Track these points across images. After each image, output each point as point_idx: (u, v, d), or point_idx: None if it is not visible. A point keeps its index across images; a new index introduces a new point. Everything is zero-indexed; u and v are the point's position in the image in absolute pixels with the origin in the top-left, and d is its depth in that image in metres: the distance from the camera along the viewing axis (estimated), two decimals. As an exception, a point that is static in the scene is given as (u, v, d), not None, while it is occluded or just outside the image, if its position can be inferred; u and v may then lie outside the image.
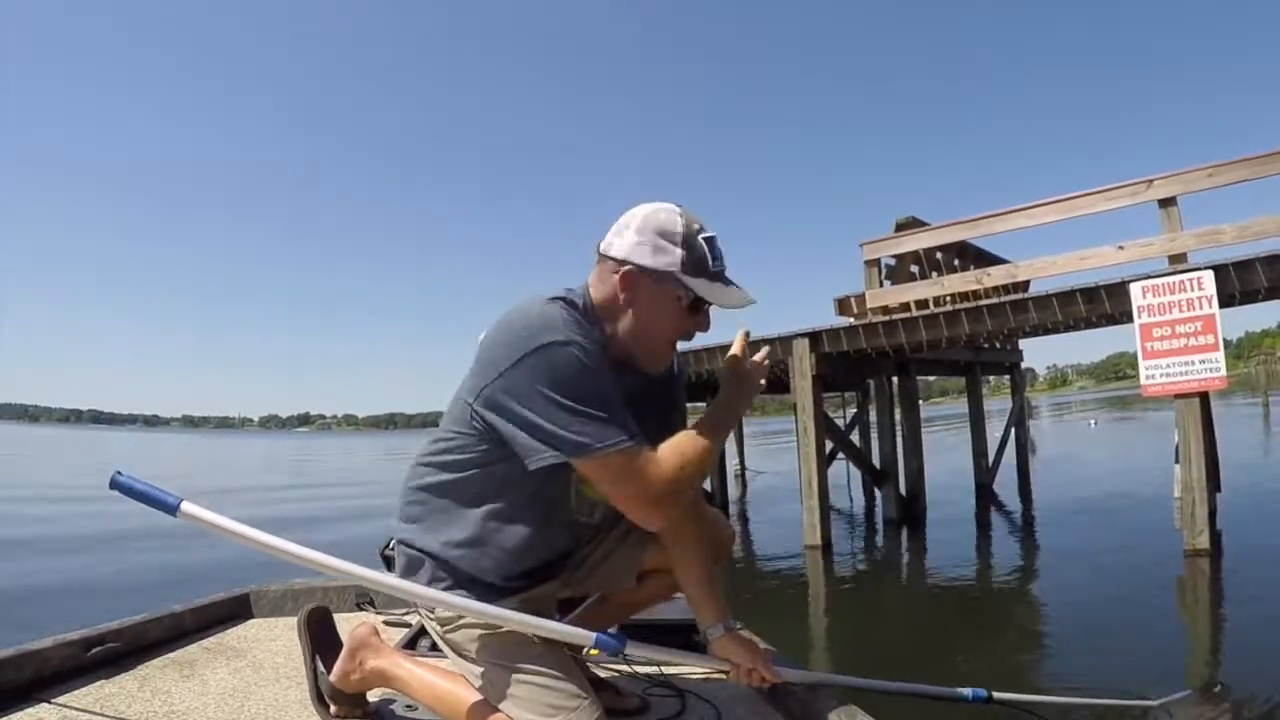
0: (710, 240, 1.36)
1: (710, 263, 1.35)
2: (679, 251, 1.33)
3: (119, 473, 1.22)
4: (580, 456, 1.26)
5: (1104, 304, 6.69)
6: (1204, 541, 6.05)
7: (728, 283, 1.38)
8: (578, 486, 1.43)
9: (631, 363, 1.43)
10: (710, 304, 1.38)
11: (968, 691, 1.64)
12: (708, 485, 12.61)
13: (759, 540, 9.51)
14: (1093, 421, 32.85)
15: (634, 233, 1.35)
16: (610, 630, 1.91)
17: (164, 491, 1.22)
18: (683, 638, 1.91)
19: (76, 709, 1.65)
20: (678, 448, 1.32)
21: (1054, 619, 5.43)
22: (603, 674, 1.78)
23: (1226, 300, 6.49)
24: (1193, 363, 6.12)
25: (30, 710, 1.64)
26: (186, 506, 1.21)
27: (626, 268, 1.34)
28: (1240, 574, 6.03)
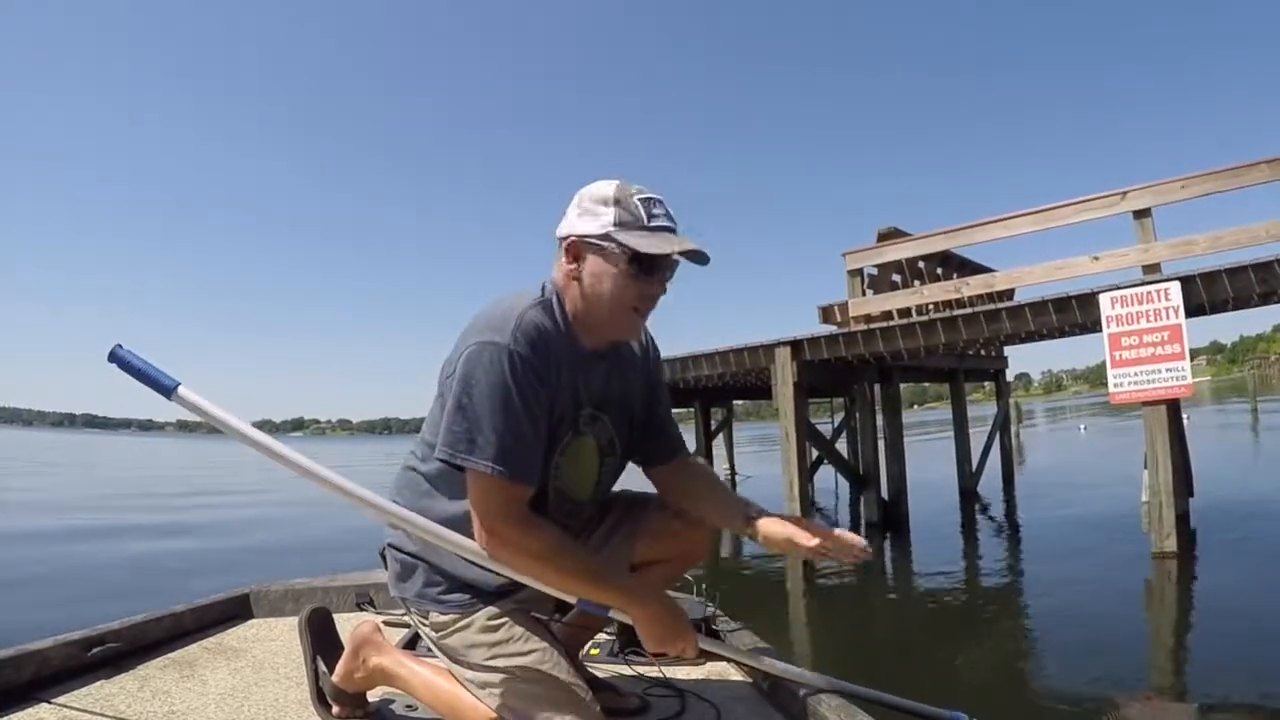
0: (647, 200, 1.32)
1: (646, 219, 1.30)
2: (611, 211, 1.30)
3: (119, 346, 1.17)
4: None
5: (1075, 314, 6.87)
6: (1171, 545, 6.21)
7: (668, 234, 1.32)
8: (557, 490, 1.42)
9: (609, 351, 1.44)
10: (651, 257, 1.30)
11: (949, 714, 1.58)
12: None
13: (744, 542, 9.65)
14: (1083, 426, 32.97)
15: (574, 208, 1.35)
16: (609, 628, 1.95)
17: (162, 372, 1.18)
18: None
19: (76, 709, 1.65)
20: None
21: (1026, 622, 5.59)
22: (602, 674, 1.78)
23: (1195, 310, 6.65)
24: (1159, 371, 6.28)
25: (30, 710, 1.65)
26: (183, 391, 1.17)
27: (568, 240, 1.34)
28: (1205, 575, 6.23)
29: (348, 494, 1.27)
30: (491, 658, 1.35)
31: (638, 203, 1.31)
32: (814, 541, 1.36)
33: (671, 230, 1.32)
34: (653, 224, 1.30)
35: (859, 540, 1.40)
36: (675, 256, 1.32)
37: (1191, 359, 6.42)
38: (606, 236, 1.30)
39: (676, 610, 1.40)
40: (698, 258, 1.33)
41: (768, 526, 1.41)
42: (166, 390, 1.16)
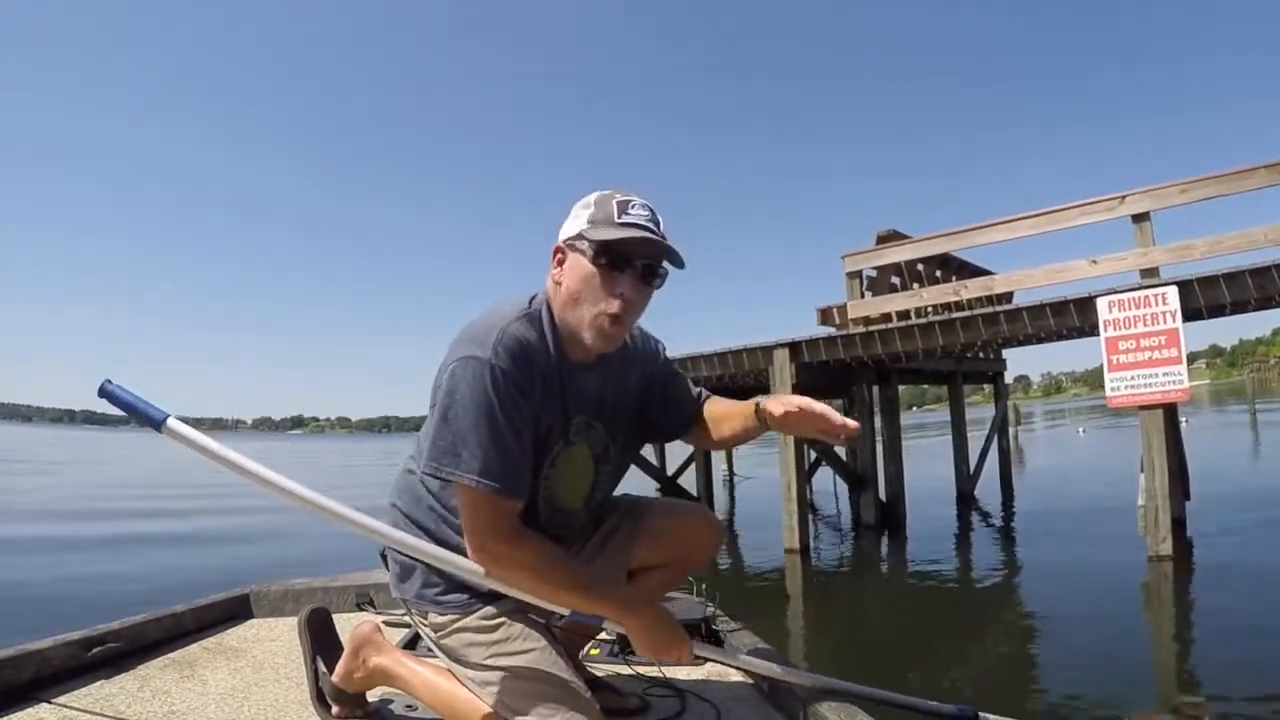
0: (625, 201, 1.33)
1: (616, 215, 1.31)
2: (589, 211, 1.33)
3: (108, 380, 1.19)
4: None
5: (1072, 317, 6.89)
6: (1167, 548, 6.24)
7: (637, 229, 1.32)
8: (548, 501, 1.42)
9: (601, 360, 1.43)
10: (614, 246, 1.31)
11: (954, 709, 1.56)
12: (694, 489, 12.80)
13: (742, 543, 9.69)
14: (1081, 430, 33.00)
15: (567, 217, 1.39)
16: (604, 636, 1.94)
17: (151, 405, 1.19)
18: None
19: (76, 709, 1.65)
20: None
21: (1022, 625, 5.61)
22: (602, 674, 1.77)
23: (1192, 314, 6.67)
24: (1156, 375, 6.30)
25: (30, 710, 1.64)
26: (172, 423, 1.18)
27: (555, 246, 1.37)
28: (1201, 578, 6.27)
29: (346, 520, 1.28)
30: (490, 657, 1.36)
31: (615, 203, 1.33)
32: (818, 406, 1.38)
33: (643, 227, 1.31)
34: (622, 219, 1.31)
35: (835, 415, 1.38)
36: (637, 236, 1.31)
37: (1191, 362, 6.44)
38: (580, 235, 1.32)
39: (669, 619, 1.41)
40: (667, 253, 1.34)
41: (772, 408, 1.42)
42: (156, 423, 1.18)
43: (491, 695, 1.35)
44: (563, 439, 1.40)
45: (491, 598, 1.39)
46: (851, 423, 1.37)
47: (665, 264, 1.36)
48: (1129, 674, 4.26)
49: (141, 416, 1.18)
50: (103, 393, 1.17)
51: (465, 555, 1.36)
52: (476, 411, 1.25)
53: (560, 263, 1.36)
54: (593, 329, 1.32)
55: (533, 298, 1.39)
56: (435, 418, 1.29)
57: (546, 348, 1.34)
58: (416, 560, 1.42)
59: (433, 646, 1.46)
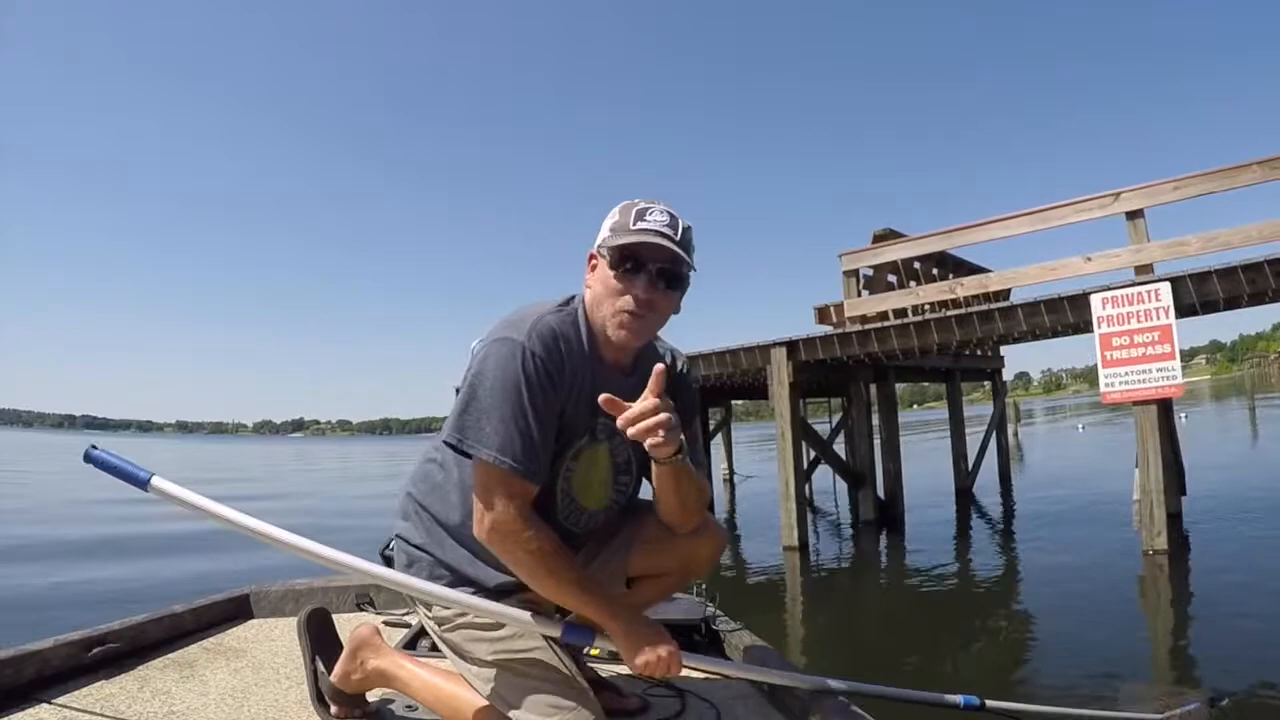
0: (644, 209, 1.38)
1: (631, 223, 1.36)
2: (612, 220, 1.40)
3: (93, 446, 1.24)
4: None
5: (1066, 314, 6.90)
6: (1162, 543, 6.26)
7: (651, 233, 1.36)
8: (565, 492, 1.44)
9: (636, 369, 1.46)
10: (625, 250, 1.35)
11: (959, 698, 1.58)
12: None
13: (742, 541, 9.72)
14: (1081, 426, 33.02)
15: None
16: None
17: (135, 466, 1.24)
18: (683, 638, 1.89)
19: (76, 709, 1.67)
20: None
21: (1019, 618, 5.62)
22: (603, 674, 1.77)
23: (1186, 311, 6.70)
24: (1150, 371, 6.31)
25: (30, 710, 1.66)
26: (157, 481, 1.22)
27: (589, 254, 1.44)
28: (1195, 572, 6.29)
29: (341, 565, 1.32)
30: (494, 653, 1.38)
31: (634, 211, 1.38)
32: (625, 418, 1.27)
33: (656, 233, 1.35)
34: (636, 226, 1.36)
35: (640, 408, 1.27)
36: (645, 242, 1.33)
37: (1191, 358, 6.47)
38: (603, 243, 1.39)
39: (657, 631, 1.39)
40: (673, 255, 1.37)
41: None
42: (141, 483, 1.23)
43: (494, 691, 1.37)
44: (589, 434, 1.44)
45: (495, 596, 1.41)
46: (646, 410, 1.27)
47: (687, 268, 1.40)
48: (1123, 667, 4.28)
49: (128, 478, 1.23)
50: (88, 458, 1.25)
51: (465, 543, 1.40)
52: (504, 390, 1.29)
53: (593, 268, 1.42)
54: (612, 325, 1.37)
55: (570, 298, 1.45)
56: (463, 392, 1.34)
57: (581, 345, 1.40)
58: (424, 551, 1.46)
59: (436, 640, 1.48)
